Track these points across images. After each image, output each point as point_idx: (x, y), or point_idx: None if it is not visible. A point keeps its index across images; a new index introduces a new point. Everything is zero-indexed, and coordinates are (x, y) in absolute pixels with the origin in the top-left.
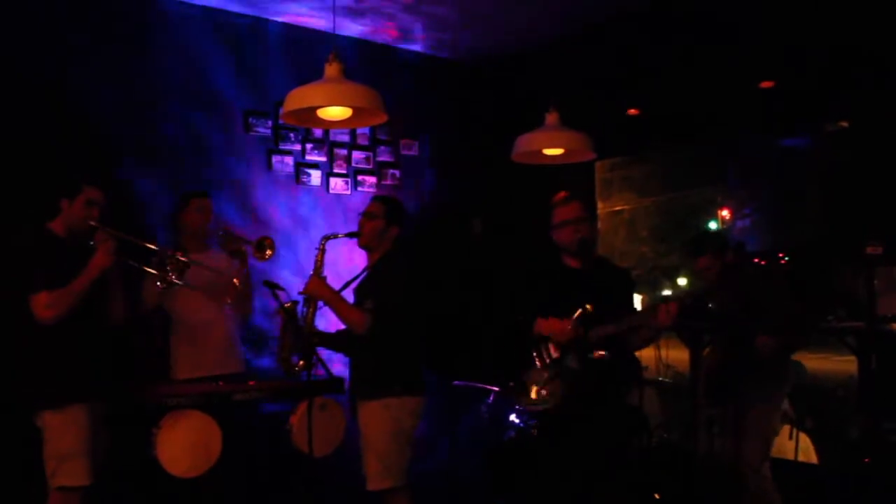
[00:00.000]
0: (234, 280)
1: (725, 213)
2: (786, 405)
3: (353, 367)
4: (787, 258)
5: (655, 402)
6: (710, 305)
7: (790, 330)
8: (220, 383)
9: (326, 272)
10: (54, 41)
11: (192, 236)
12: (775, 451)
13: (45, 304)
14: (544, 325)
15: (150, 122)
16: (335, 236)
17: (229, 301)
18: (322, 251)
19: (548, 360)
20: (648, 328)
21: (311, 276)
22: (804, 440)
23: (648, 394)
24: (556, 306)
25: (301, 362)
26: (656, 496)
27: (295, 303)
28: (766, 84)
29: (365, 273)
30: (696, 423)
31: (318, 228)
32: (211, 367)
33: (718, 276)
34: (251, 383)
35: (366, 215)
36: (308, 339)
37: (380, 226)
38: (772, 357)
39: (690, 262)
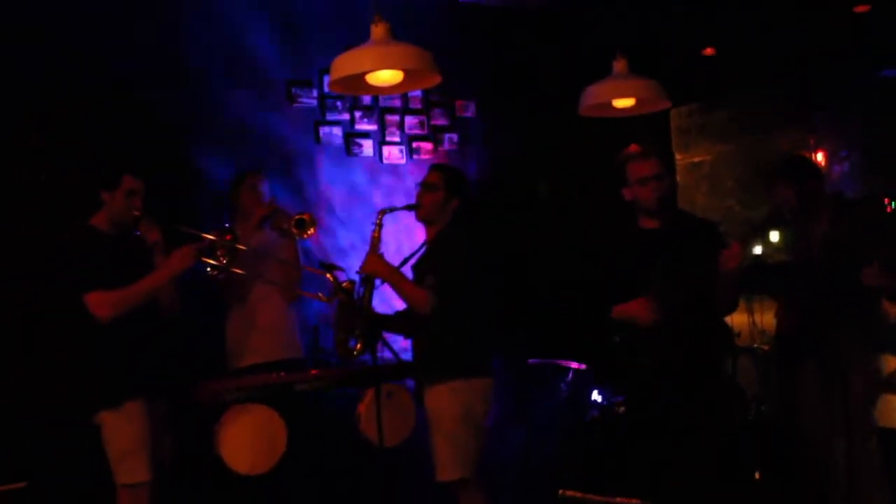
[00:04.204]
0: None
1: (820, 156)
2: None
3: (417, 349)
4: (893, 203)
5: (751, 372)
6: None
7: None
8: (282, 374)
9: (384, 249)
10: (86, 19)
11: (246, 216)
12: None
13: (100, 304)
14: (623, 311)
15: (188, 98)
16: (392, 210)
17: (278, 283)
18: (379, 226)
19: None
20: (723, 283)
21: (369, 253)
22: None
23: (743, 363)
24: (635, 274)
25: (358, 345)
26: (756, 475)
27: (352, 282)
28: (860, 9)
29: (424, 248)
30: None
31: (374, 202)
32: (268, 352)
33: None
34: (313, 372)
35: (425, 186)
36: (367, 321)
37: (440, 197)
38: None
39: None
